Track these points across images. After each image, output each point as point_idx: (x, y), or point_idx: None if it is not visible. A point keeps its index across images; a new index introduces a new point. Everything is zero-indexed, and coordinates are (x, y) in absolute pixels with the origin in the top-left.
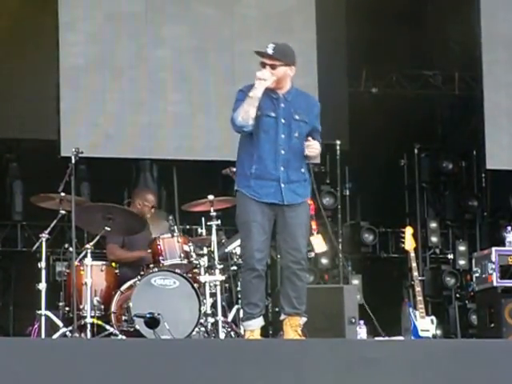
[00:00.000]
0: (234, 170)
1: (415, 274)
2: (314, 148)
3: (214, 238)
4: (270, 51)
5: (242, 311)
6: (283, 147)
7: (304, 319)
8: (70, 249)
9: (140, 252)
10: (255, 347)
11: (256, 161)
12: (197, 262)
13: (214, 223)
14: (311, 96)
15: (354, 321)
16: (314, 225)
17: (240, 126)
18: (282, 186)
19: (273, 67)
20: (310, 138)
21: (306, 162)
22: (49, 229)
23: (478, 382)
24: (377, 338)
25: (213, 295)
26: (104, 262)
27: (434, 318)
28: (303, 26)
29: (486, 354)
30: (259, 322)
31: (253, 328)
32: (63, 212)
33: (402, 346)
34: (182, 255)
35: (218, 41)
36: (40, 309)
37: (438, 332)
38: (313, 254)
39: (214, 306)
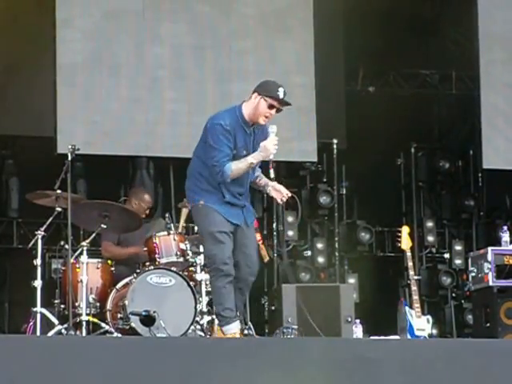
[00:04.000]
0: None
1: (411, 273)
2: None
3: None
4: (282, 95)
5: (216, 318)
6: (249, 179)
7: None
8: (66, 246)
9: (134, 248)
10: (251, 345)
11: (228, 191)
12: (193, 260)
13: None
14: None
15: (349, 320)
16: (258, 236)
17: (226, 179)
18: (244, 210)
19: (278, 111)
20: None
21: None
22: (45, 226)
23: (474, 382)
24: (373, 337)
25: (209, 293)
26: (100, 260)
27: (430, 317)
28: (300, 25)
29: (481, 353)
30: (237, 325)
31: (234, 331)
32: (59, 209)
33: (397, 345)
34: (179, 253)
35: (216, 39)
36: (35, 306)
37: (434, 331)
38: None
39: (209, 304)
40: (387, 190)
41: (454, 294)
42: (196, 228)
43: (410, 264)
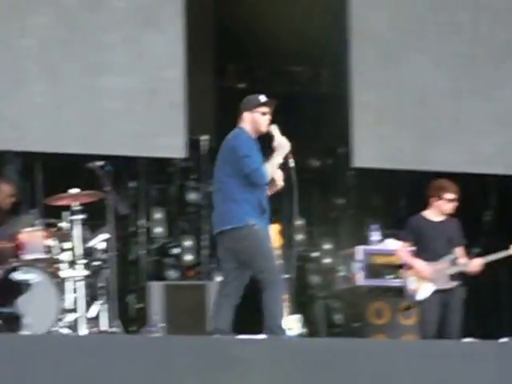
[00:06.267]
0: (99, 164)
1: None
2: None
3: (77, 232)
4: (265, 99)
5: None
6: None
7: None
8: None
9: None
10: (118, 343)
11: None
12: (59, 257)
13: (78, 217)
14: None
15: None
16: None
17: (266, 181)
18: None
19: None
20: None
21: None
22: None
23: (341, 380)
24: (241, 336)
25: (75, 291)
26: None
27: (299, 316)
28: (170, 19)
29: (350, 353)
30: None
31: None
32: None
33: (266, 344)
34: (44, 249)
35: (84, 32)
36: None
37: (304, 330)
38: None
39: (75, 301)
40: None
41: (322, 294)
42: (62, 224)
43: (278, 262)
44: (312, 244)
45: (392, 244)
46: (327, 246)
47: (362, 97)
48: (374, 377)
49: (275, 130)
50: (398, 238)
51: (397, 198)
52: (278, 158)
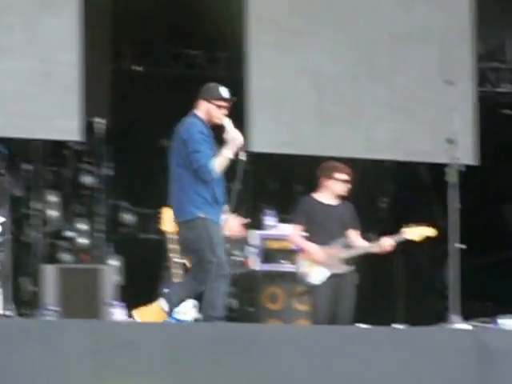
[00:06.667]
0: None
1: (172, 255)
2: None
3: None
4: (225, 94)
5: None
6: None
7: None
8: None
9: None
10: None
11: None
12: None
13: None
14: None
15: (110, 302)
16: None
17: (213, 176)
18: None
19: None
20: None
21: None
22: None
23: (235, 365)
24: (134, 320)
25: None
26: None
27: (194, 301)
28: (68, 2)
29: (243, 337)
30: None
31: None
32: None
33: (160, 328)
34: None
35: None
36: None
37: (198, 315)
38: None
39: None
40: (152, 171)
41: None
42: None
43: (172, 246)
44: None
45: (287, 229)
46: None
47: (259, 81)
48: (268, 362)
49: (228, 123)
50: (291, 222)
51: (293, 183)
52: (228, 152)
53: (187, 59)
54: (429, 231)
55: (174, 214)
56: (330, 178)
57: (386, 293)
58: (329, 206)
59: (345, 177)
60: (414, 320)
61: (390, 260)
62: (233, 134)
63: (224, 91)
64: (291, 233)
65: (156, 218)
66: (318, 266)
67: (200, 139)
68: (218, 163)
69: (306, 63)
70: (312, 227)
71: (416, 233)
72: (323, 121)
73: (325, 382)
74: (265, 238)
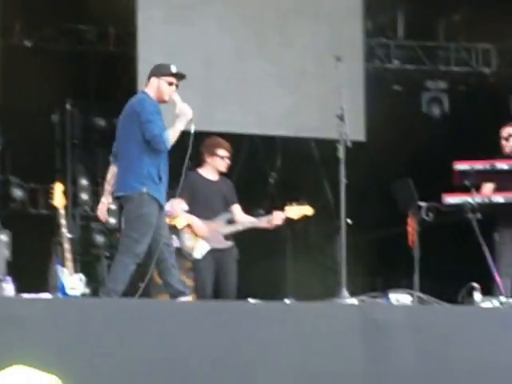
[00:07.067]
0: None
1: (64, 230)
2: None
3: None
4: (175, 70)
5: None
6: None
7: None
8: None
9: None
10: None
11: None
12: None
13: None
14: None
15: (1, 277)
16: None
17: (168, 147)
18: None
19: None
20: None
21: None
22: None
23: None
24: (24, 295)
25: None
26: None
27: (82, 276)
28: None
29: (132, 312)
30: None
31: None
32: None
33: (48, 303)
34: None
35: None
36: None
37: (87, 290)
38: None
39: None
40: (42, 146)
41: (107, 253)
42: None
43: (63, 222)
44: (97, 204)
45: (172, 204)
46: (113, 207)
47: (148, 56)
48: (156, 337)
49: (177, 97)
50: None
51: (182, 159)
52: (179, 124)
53: (77, 34)
54: (307, 210)
55: (116, 188)
56: (213, 154)
57: (276, 268)
58: (211, 181)
59: (226, 153)
60: (305, 296)
61: (282, 236)
62: (182, 107)
63: (174, 68)
64: (173, 204)
65: (47, 194)
66: (200, 240)
67: (153, 111)
68: (171, 135)
69: (195, 38)
70: (195, 202)
71: (295, 211)
72: (212, 96)
73: (215, 357)
74: None
